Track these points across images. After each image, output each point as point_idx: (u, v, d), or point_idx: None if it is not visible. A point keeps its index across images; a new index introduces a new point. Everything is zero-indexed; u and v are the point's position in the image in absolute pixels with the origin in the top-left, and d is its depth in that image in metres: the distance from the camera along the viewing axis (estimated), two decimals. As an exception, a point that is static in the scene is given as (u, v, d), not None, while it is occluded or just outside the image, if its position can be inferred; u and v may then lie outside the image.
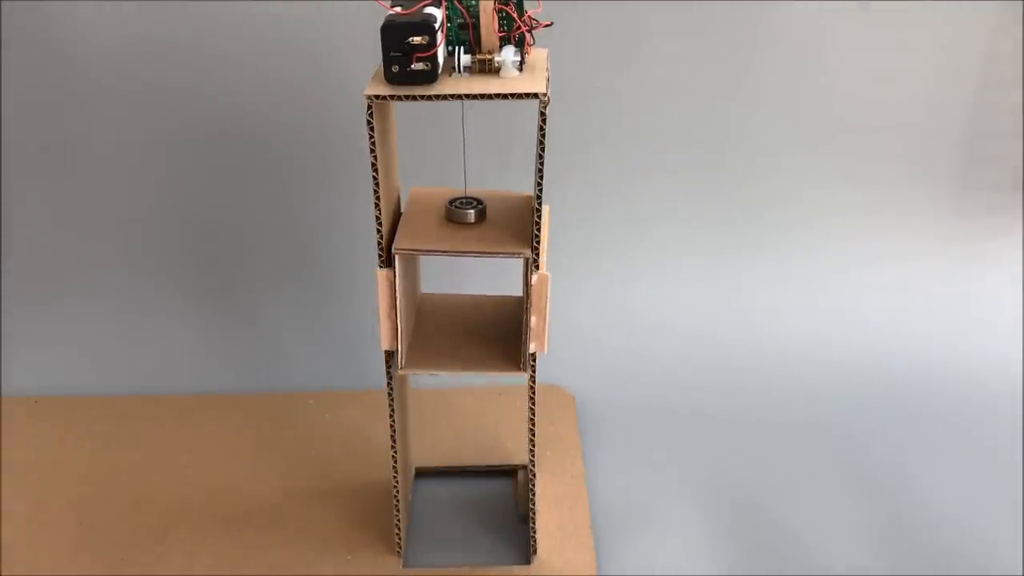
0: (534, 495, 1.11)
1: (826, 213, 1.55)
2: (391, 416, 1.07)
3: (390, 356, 1.02)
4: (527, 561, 1.14)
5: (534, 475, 1.10)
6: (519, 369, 1.02)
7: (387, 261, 0.97)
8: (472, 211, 1.01)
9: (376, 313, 0.99)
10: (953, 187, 1.54)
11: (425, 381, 1.38)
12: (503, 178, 1.20)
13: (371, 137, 0.90)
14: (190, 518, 1.20)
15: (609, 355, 1.50)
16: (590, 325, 1.53)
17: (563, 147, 1.19)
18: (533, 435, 1.08)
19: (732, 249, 1.56)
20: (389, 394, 1.05)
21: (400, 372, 1.03)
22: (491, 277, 1.26)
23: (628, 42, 1.42)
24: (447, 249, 0.97)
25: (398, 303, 0.98)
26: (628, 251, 1.56)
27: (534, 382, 1.04)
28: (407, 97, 0.87)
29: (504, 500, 1.24)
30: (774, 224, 1.55)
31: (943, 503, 1.24)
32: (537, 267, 0.97)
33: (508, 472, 1.28)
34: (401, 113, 1.02)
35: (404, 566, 1.14)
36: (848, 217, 1.55)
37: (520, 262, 0.99)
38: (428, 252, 0.97)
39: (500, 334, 1.08)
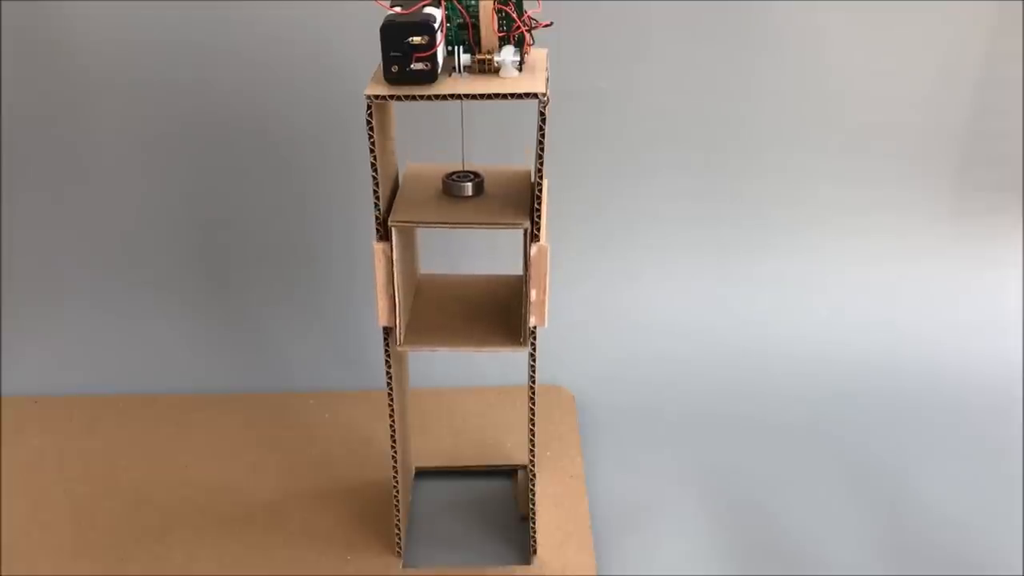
0: (534, 495, 1.11)
1: (826, 213, 1.55)
2: (391, 416, 1.07)
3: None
4: (527, 561, 1.14)
5: (534, 475, 1.10)
6: (520, 344, 1.01)
7: (384, 235, 0.96)
8: (469, 184, 0.99)
9: (374, 290, 0.97)
10: (953, 187, 1.54)
11: (425, 381, 1.38)
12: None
13: (371, 137, 0.90)
14: (190, 518, 1.20)
15: (609, 355, 1.50)
16: (590, 325, 1.53)
17: (563, 147, 1.19)
18: (533, 435, 1.08)
19: (732, 249, 1.56)
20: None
21: (399, 348, 1.01)
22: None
23: (627, 42, 1.42)
24: (444, 221, 0.96)
25: (395, 278, 0.96)
26: (628, 251, 1.56)
27: (534, 381, 1.04)
28: (407, 97, 0.87)
29: (504, 500, 1.24)
30: (773, 224, 1.55)
31: (943, 503, 1.24)
32: (537, 239, 0.95)
33: (508, 472, 1.28)
34: (401, 113, 1.02)
35: (404, 566, 1.14)
36: (848, 217, 1.55)
37: (520, 240, 0.96)
38: (424, 224, 0.96)
39: (500, 311, 1.06)
